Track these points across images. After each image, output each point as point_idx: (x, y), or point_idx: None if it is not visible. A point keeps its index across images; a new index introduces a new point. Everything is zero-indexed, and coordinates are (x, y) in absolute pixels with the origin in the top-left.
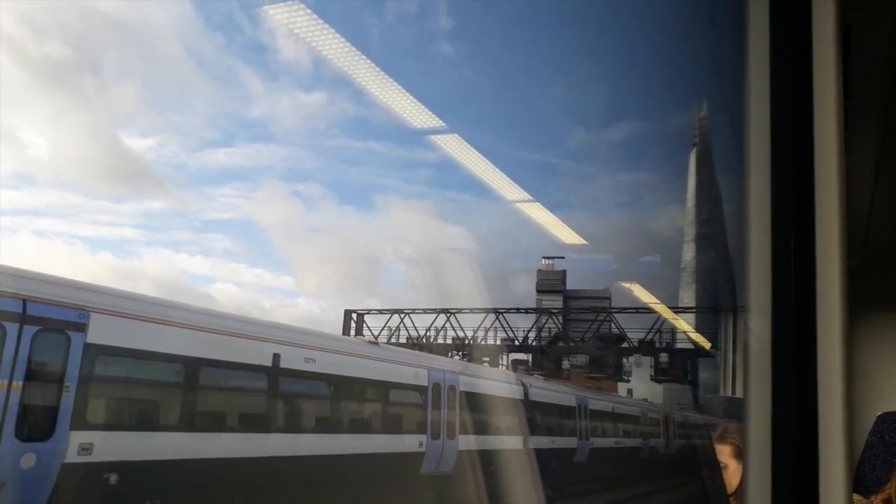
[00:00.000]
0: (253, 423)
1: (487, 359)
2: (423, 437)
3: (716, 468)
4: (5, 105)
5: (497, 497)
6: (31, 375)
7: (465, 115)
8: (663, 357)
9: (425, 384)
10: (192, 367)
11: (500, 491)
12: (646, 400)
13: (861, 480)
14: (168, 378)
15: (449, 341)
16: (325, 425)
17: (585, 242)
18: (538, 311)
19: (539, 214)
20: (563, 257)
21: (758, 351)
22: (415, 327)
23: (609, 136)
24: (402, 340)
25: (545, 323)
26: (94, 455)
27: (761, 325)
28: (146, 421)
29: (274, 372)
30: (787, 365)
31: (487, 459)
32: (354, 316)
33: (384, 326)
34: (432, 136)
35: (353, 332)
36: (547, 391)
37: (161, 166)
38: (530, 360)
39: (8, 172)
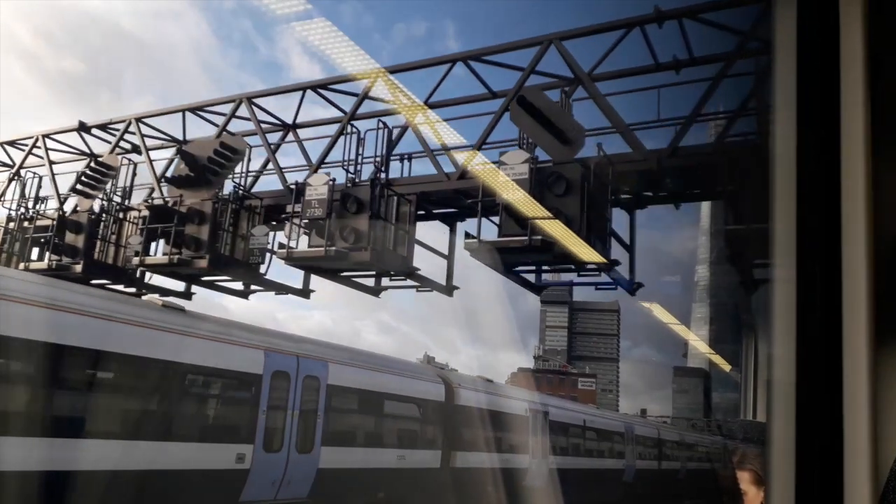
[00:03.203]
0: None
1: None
2: (624, 461)
3: (739, 494)
4: (26, 118)
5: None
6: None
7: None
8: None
9: (622, 431)
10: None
11: (648, 489)
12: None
13: None
14: (569, 438)
15: None
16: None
17: (606, 262)
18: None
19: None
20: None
21: (782, 376)
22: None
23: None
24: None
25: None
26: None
27: (786, 350)
28: (562, 451)
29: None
30: (812, 391)
31: (649, 475)
32: None
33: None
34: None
35: None
36: (671, 432)
37: None
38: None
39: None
